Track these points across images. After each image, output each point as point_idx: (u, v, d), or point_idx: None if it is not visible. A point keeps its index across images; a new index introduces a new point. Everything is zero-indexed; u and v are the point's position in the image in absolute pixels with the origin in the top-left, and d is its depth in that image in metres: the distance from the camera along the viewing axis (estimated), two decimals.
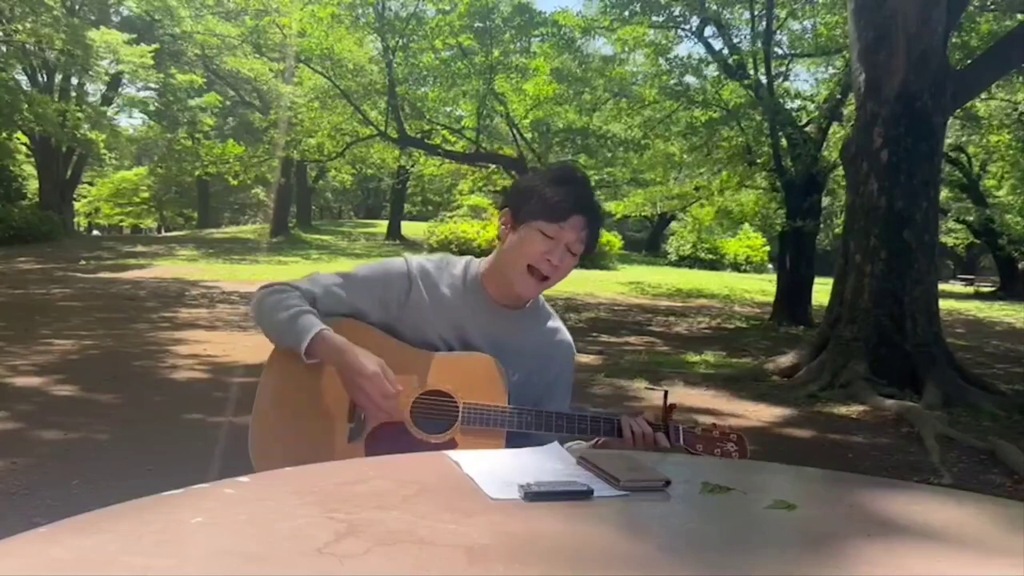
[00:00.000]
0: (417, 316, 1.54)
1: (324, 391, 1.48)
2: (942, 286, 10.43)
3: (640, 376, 7.01)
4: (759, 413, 5.81)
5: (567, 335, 1.69)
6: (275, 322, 1.49)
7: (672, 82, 14.15)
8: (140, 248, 23.09)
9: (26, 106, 20.27)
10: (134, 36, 22.21)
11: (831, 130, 13.75)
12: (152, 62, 21.95)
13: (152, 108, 28.41)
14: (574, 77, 13.85)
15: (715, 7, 13.86)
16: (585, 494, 1.04)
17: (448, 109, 16.85)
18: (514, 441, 1.50)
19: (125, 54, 21.27)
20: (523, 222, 1.52)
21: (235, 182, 19.18)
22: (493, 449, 1.41)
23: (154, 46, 22.63)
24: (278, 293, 1.53)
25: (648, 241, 35.80)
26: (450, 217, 29.47)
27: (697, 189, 16.40)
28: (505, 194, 1.67)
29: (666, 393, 1.67)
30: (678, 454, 1.50)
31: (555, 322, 1.67)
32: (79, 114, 22.26)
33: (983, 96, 13.45)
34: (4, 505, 3.21)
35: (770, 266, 28.38)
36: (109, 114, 26.33)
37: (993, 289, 26.46)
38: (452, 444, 1.44)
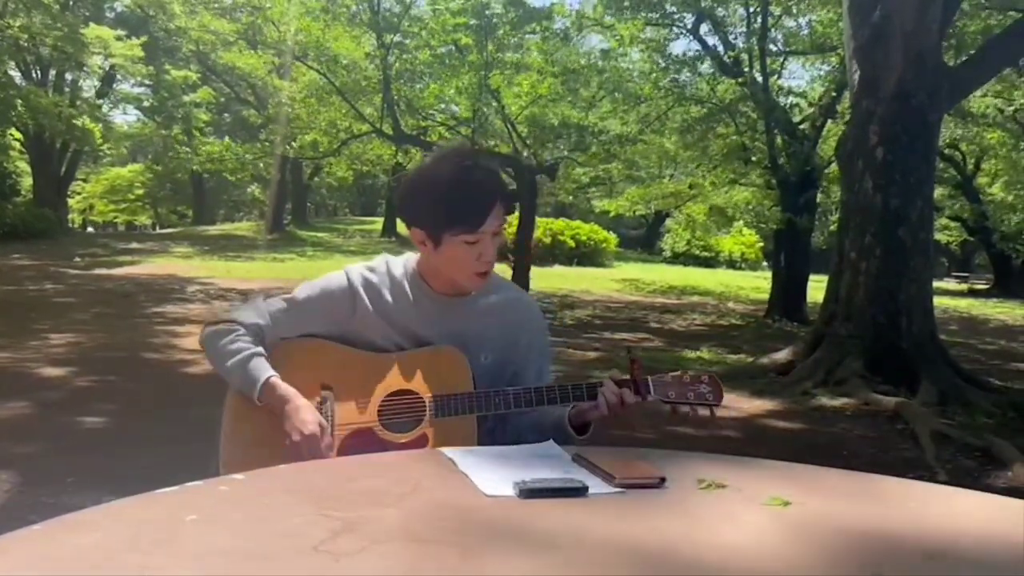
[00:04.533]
0: (367, 327, 1.52)
1: None
2: (936, 283, 10.43)
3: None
4: (754, 409, 5.82)
5: (526, 298, 1.66)
6: (225, 367, 1.48)
7: (668, 80, 14.14)
8: (135, 245, 22.99)
9: (20, 101, 20.15)
10: (125, 33, 22.08)
11: (826, 127, 13.75)
12: (142, 54, 21.82)
13: (146, 104, 28.26)
14: (568, 73, 13.82)
15: (709, 3, 13.83)
16: (580, 491, 1.04)
17: (443, 105, 16.80)
18: (488, 425, 1.50)
19: (116, 48, 21.14)
20: (442, 237, 1.46)
21: (233, 178, 19.09)
22: (466, 437, 1.41)
23: (143, 38, 22.47)
24: (224, 334, 1.50)
25: (643, 239, 35.80)
26: None
27: (691, 187, 16.39)
28: (401, 203, 1.55)
29: (630, 350, 1.65)
30: (674, 452, 1.48)
31: (510, 291, 1.64)
32: (71, 109, 22.15)
33: (977, 94, 13.43)
34: None
35: (765, 263, 28.39)
36: (103, 110, 26.18)
37: (987, 286, 26.54)
38: (423, 440, 1.43)
